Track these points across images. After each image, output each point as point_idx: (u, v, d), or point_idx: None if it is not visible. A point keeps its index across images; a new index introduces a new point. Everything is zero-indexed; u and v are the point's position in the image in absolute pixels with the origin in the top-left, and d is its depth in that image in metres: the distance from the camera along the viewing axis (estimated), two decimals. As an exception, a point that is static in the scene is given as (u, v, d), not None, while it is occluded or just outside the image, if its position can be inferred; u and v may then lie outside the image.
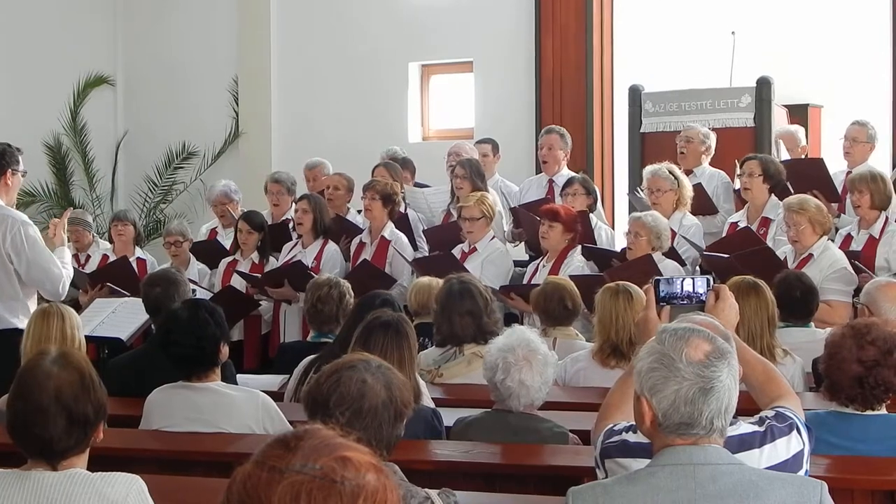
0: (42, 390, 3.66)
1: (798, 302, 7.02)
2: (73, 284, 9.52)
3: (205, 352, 5.59)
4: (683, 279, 4.20)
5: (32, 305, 7.59)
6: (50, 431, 3.64)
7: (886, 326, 4.93)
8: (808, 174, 9.30)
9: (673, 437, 3.23)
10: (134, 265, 9.99)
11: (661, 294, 4.12)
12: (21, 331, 7.30)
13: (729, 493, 3.16)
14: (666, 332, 3.30)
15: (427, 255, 9.57)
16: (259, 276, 9.48)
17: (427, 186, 10.73)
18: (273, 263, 9.71)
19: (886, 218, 8.54)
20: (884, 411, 4.80)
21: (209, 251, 10.32)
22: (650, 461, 3.29)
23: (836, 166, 9.69)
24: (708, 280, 4.21)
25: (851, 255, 8.24)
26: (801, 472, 3.56)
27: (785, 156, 10.01)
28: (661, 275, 7.49)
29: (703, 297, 4.11)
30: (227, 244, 10.40)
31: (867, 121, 9.79)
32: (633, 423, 3.84)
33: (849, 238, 8.62)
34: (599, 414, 4.08)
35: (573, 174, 10.24)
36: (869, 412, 4.77)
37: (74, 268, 9.82)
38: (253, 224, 9.84)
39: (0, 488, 3.66)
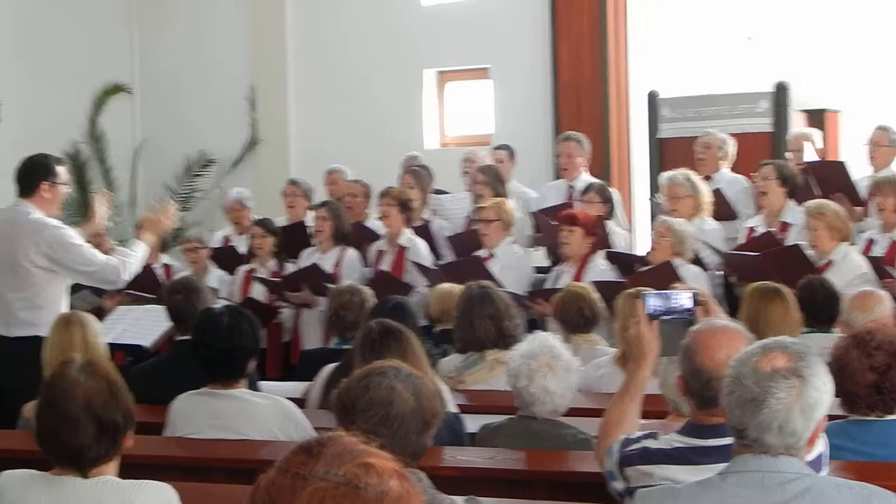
0: (71, 399, 3.65)
1: (821, 307, 7.03)
2: (96, 292, 9.56)
3: (234, 361, 5.59)
4: (670, 294, 4.22)
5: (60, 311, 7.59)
6: (80, 440, 3.64)
7: (886, 329, 4.92)
8: (831, 177, 9.27)
9: (740, 444, 3.25)
10: (161, 271, 10.02)
11: (649, 309, 4.14)
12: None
13: (795, 499, 3.16)
14: (758, 342, 3.32)
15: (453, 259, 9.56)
16: (278, 280, 9.51)
17: (446, 193, 10.73)
18: (291, 270, 9.72)
19: (910, 222, 8.53)
20: (902, 415, 4.79)
21: (227, 258, 10.33)
22: (724, 467, 3.30)
23: (856, 171, 9.65)
24: (694, 294, 4.25)
25: (874, 260, 8.23)
26: (823, 473, 3.57)
27: (811, 157, 9.96)
28: (682, 281, 7.54)
29: (691, 311, 4.14)
30: (242, 251, 10.42)
31: (889, 125, 9.76)
32: (649, 431, 3.88)
33: (871, 242, 8.61)
34: (600, 432, 4.16)
35: (593, 180, 10.23)
36: (889, 417, 4.75)
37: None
38: (267, 228, 9.87)
39: (31, 492, 3.67)
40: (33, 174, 7.62)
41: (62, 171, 7.75)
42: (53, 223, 7.61)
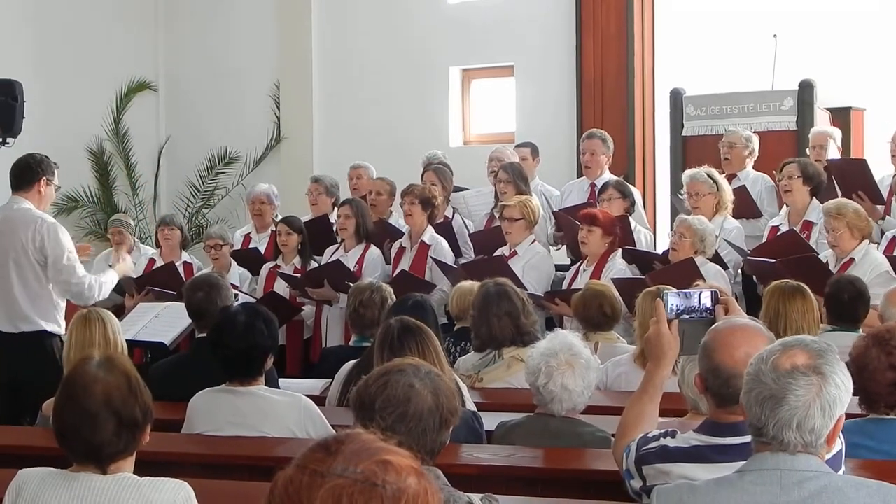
0: (90, 396, 3.66)
1: (846, 306, 6.99)
2: (118, 290, 9.61)
3: (252, 361, 5.62)
4: (691, 293, 4.20)
5: (61, 309, 7.68)
6: (100, 436, 3.64)
7: None
8: (852, 175, 9.22)
9: (758, 442, 3.24)
10: (181, 269, 10.04)
11: (670, 309, 4.13)
12: (50, 333, 7.50)
13: (813, 498, 3.15)
14: (779, 341, 3.31)
15: (474, 258, 9.55)
16: (300, 276, 9.52)
17: (466, 189, 10.71)
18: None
19: (933, 220, 8.49)
20: (921, 413, 4.77)
21: (249, 259, 10.34)
22: (742, 465, 3.29)
23: (881, 170, 9.60)
24: (715, 293, 4.23)
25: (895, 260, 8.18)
26: (841, 472, 3.56)
27: (833, 155, 9.91)
28: (703, 279, 7.51)
29: (711, 310, 4.12)
30: (262, 248, 10.44)
31: (913, 124, 9.70)
32: (667, 429, 3.86)
33: (894, 240, 8.56)
34: (618, 431, 4.16)
35: (613, 177, 10.20)
36: (907, 414, 4.75)
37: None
38: (293, 226, 9.88)
39: (49, 489, 3.67)
40: (35, 168, 7.76)
41: (57, 174, 7.90)
42: (53, 220, 7.81)
